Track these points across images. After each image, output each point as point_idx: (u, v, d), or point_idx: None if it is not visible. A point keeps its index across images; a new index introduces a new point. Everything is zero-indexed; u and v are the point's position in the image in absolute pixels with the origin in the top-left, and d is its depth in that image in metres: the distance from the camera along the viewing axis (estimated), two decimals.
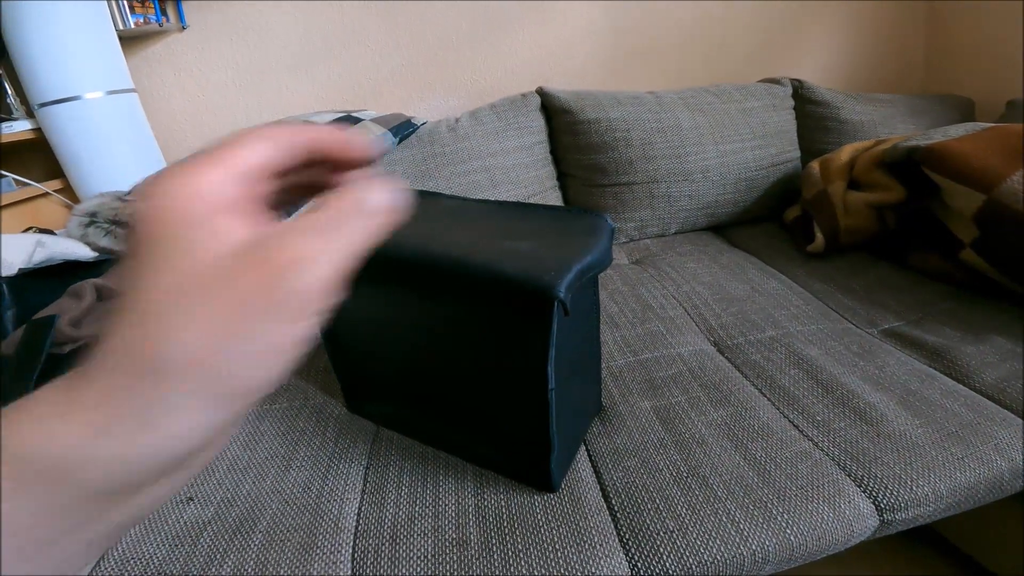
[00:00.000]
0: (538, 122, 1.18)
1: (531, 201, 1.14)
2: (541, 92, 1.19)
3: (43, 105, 1.05)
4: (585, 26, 1.39)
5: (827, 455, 0.58)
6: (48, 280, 0.81)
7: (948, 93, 1.42)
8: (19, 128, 1.11)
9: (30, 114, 1.12)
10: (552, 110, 1.18)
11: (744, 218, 1.23)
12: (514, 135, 1.13)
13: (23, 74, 1.04)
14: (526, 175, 1.13)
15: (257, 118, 1.21)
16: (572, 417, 0.56)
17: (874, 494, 0.54)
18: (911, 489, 0.54)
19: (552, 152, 1.21)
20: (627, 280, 0.98)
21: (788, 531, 0.51)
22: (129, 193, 1.02)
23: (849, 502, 0.53)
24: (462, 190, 1.07)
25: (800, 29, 1.50)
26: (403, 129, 1.06)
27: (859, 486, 0.55)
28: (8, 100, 1.15)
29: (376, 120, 1.06)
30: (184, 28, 1.25)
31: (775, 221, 1.22)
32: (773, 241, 1.13)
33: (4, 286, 0.75)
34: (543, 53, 1.40)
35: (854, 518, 0.53)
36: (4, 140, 1.08)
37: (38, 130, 1.12)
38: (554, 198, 1.20)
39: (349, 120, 1.04)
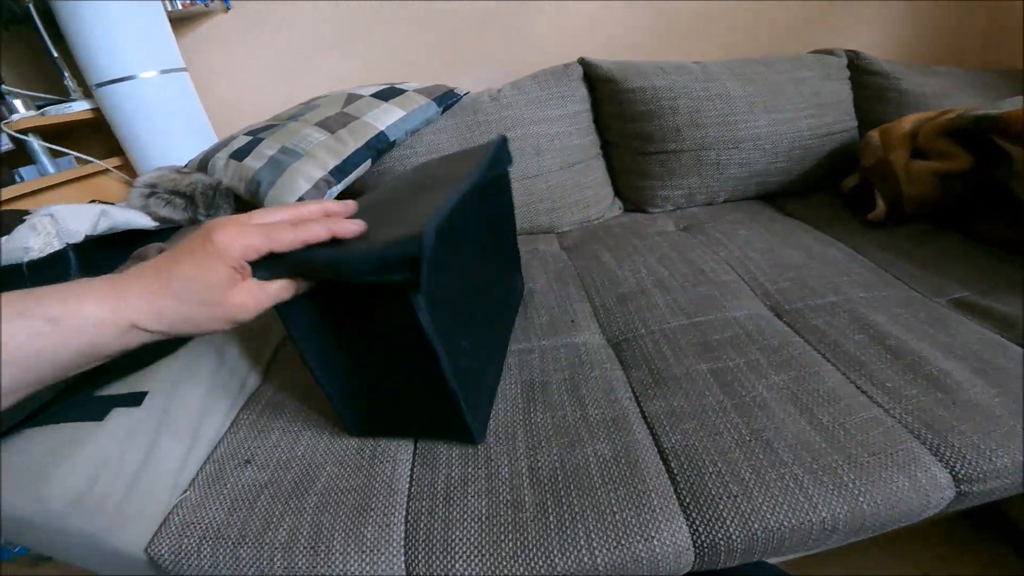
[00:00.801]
0: (581, 91, 1.15)
1: (575, 168, 1.13)
2: (583, 62, 1.16)
3: (100, 85, 1.09)
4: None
5: (899, 422, 0.55)
6: (112, 248, 0.84)
7: (1010, 68, 1.33)
8: (78, 108, 1.15)
9: (88, 95, 1.16)
10: (595, 79, 1.15)
11: (796, 187, 1.18)
12: (557, 104, 1.10)
13: (80, 57, 1.08)
14: (570, 143, 1.11)
15: (301, 95, 1.22)
16: (478, 361, 0.59)
17: (951, 464, 0.51)
18: (990, 460, 0.51)
19: (595, 121, 1.19)
20: (675, 245, 0.95)
21: (860, 499, 0.48)
22: (186, 166, 1.05)
23: (925, 471, 0.50)
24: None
25: (849, 1, 1.43)
26: (446, 99, 1.05)
27: (935, 455, 0.52)
28: (66, 82, 1.20)
29: (419, 91, 1.05)
30: (228, 9, 1.27)
31: (829, 191, 1.17)
32: (828, 210, 1.08)
33: (71, 252, 0.78)
34: (580, 26, 1.37)
35: (930, 488, 0.50)
36: (64, 120, 1.13)
37: (96, 110, 1.16)
38: (598, 166, 1.18)
39: (392, 92, 1.04)
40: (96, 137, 1.25)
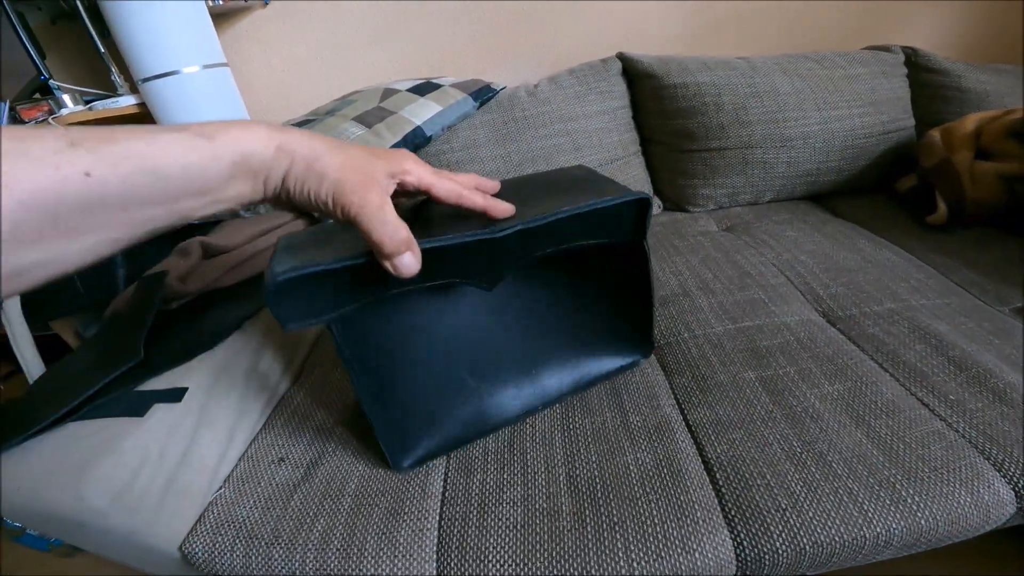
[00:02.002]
0: (620, 87, 1.12)
1: (613, 165, 1.10)
2: (622, 57, 1.14)
3: (145, 80, 1.11)
4: None
5: (963, 436, 0.52)
6: (156, 241, 0.85)
7: None
8: (124, 103, 1.18)
9: (134, 89, 1.19)
10: (634, 75, 1.12)
11: (847, 188, 1.12)
12: (595, 99, 1.08)
13: (125, 52, 1.10)
14: (609, 139, 1.08)
15: (338, 90, 1.23)
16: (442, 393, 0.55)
17: (1015, 479, 0.49)
18: None
19: (634, 118, 1.16)
20: (720, 247, 0.91)
21: (919, 514, 0.46)
22: None
23: (988, 486, 0.48)
24: (544, 154, 1.03)
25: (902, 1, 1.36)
26: (483, 94, 1.04)
27: (998, 470, 0.49)
28: (113, 78, 1.23)
29: (455, 85, 1.04)
30: (267, 4, 1.29)
31: (882, 192, 1.12)
32: (882, 212, 1.03)
33: None
34: (619, 21, 1.33)
35: (992, 503, 0.48)
36: (111, 114, 1.16)
37: (142, 104, 1.18)
38: (637, 163, 1.15)
39: (429, 86, 1.03)
40: None
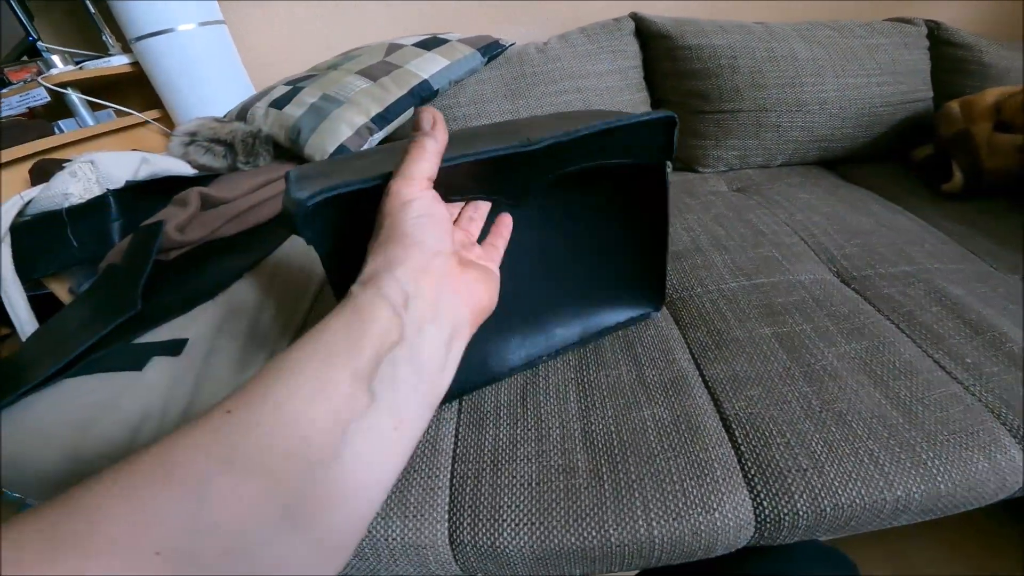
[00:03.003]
0: (632, 47, 1.09)
1: None
2: (635, 17, 1.11)
3: (139, 39, 1.08)
4: None
5: (980, 400, 0.51)
6: (152, 195, 0.83)
7: None
8: (116, 63, 1.15)
9: (126, 50, 1.16)
10: (648, 35, 1.09)
11: (861, 155, 1.11)
12: (607, 58, 1.05)
13: (118, 11, 1.07)
14: (620, 98, 1.06)
15: (340, 48, 1.19)
16: None
17: None
18: None
19: (646, 78, 1.13)
20: (731, 206, 0.90)
21: (938, 479, 0.45)
22: (225, 116, 1.03)
23: (1005, 452, 0.47)
24: (554, 109, 1.01)
25: None
26: (491, 49, 1.01)
27: (1015, 436, 0.48)
28: (104, 38, 1.19)
29: (463, 41, 1.01)
30: None
31: (897, 161, 1.10)
32: (896, 179, 1.02)
33: (111, 198, 0.78)
34: None
35: (1008, 471, 0.47)
36: (103, 74, 1.13)
37: (135, 64, 1.15)
38: None
39: (435, 41, 1.00)
40: (135, 91, 1.24)
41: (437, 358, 0.29)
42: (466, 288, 0.33)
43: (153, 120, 1.24)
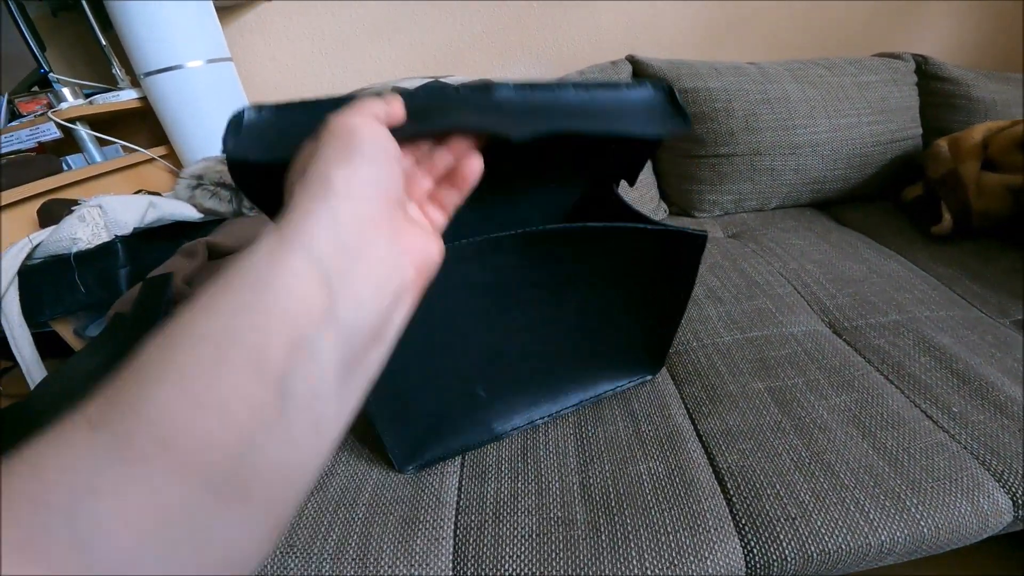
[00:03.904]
0: None
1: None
2: (632, 60, 1.13)
3: (148, 74, 1.09)
4: None
5: (965, 448, 0.53)
6: (157, 241, 0.85)
7: None
8: (125, 97, 1.16)
9: (135, 83, 1.17)
10: (644, 78, 1.12)
11: (853, 195, 1.14)
12: None
13: (128, 46, 1.08)
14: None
15: (342, 85, 1.22)
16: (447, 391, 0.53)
17: (1013, 489, 0.50)
18: None
19: None
20: (727, 254, 0.92)
21: (921, 523, 0.47)
22: None
23: (988, 496, 0.50)
24: None
25: (914, 2, 1.36)
26: None
27: (998, 480, 0.51)
28: (114, 71, 1.21)
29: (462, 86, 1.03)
30: None
31: (888, 200, 1.13)
32: (888, 221, 1.04)
33: (119, 245, 0.79)
34: (630, 21, 1.33)
35: (991, 512, 0.49)
36: (112, 109, 1.14)
37: (143, 99, 1.17)
38: (644, 168, 1.14)
39: (437, 85, 1.03)
40: (142, 126, 1.26)
41: (372, 328, 0.22)
42: (411, 240, 0.26)
43: (160, 157, 1.26)
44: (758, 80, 1.06)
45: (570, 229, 0.46)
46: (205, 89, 1.13)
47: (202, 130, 1.15)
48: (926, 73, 1.17)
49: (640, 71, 1.12)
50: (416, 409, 0.52)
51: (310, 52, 1.33)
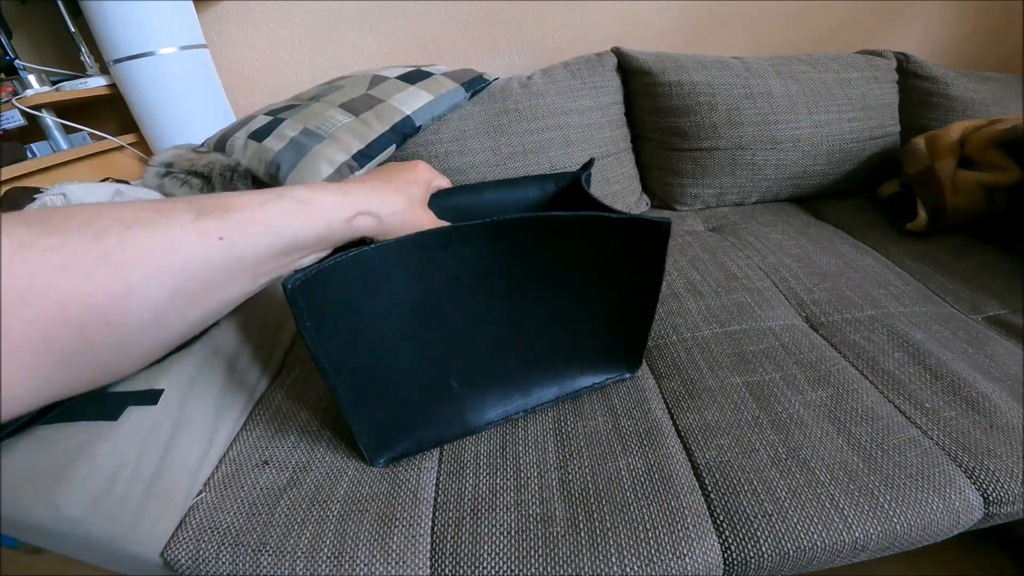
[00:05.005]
0: (614, 82, 1.11)
1: (604, 161, 1.09)
2: (617, 52, 1.13)
3: (118, 61, 1.06)
4: None
5: (937, 444, 0.55)
6: None
7: None
8: (93, 84, 1.12)
9: (104, 71, 1.14)
10: (629, 71, 1.11)
11: (831, 191, 1.15)
12: (589, 94, 1.07)
13: (98, 32, 1.04)
14: (601, 135, 1.07)
15: (323, 75, 1.19)
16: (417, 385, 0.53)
17: (984, 486, 0.51)
18: (1021, 484, 0.51)
19: (627, 115, 1.15)
20: (707, 247, 0.93)
21: (895, 520, 0.48)
22: (203, 145, 1.02)
23: (959, 493, 0.51)
24: (535, 147, 1.02)
25: (898, 2, 1.38)
26: (475, 84, 1.02)
27: (969, 477, 0.52)
28: (83, 58, 1.17)
29: (447, 74, 1.02)
30: None
31: (865, 196, 1.14)
32: (865, 216, 1.05)
33: None
34: (616, 15, 1.32)
35: (962, 509, 0.51)
36: (79, 96, 1.10)
37: (112, 86, 1.13)
38: (627, 160, 1.15)
39: (419, 74, 1.01)
40: (111, 113, 1.22)
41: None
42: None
43: (129, 145, 1.22)
44: (742, 74, 1.06)
45: (534, 218, 0.47)
46: (178, 76, 1.10)
47: (174, 118, 1.11)
48: (907, 71, 1.18)
49: (625, 63, 1.12)
50: (387, 399, 0.52)
51: (290, 40, 1.29)
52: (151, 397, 0.54)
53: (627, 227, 0.50)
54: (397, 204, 0.44)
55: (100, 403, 0.53)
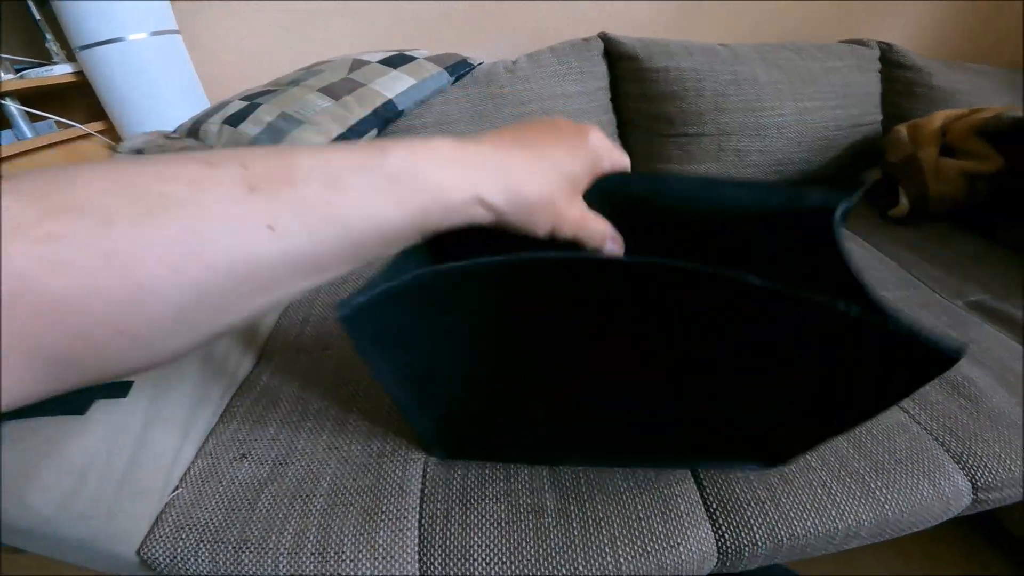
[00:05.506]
0: (600, 68, 1.10)
1: None
2: (604, 37, 1.11)
3: (85, 48, 1.02)
4: None
5: (925, 429, 0.55)
6: None
7: None
8: (59, 72, 1.08)
9: (71, 58, 1.10)
10: (616, 56, 1.10)
11: (814, 178, 1.15)
12: (575, 80, 1.05)
13: (64, 17, 1.01)
14: (587, 121, 1.05)
15: (303, 60, 1.15)
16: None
17: (972, 471, 0.52)
18: (1009, 469, 0.52)
19: (613, 100, 1.14)
20: None
21: (886, 506, 0.48)
22: (175, 131, 0.99)
23: (948, 478, 0.51)
24: None
25: None
26: (459, 68, 1.00)
27: (958, 462, 0.52)
28: (48, 45, 1.13)
29: (430, 59, 0.99)
30: None
31: (847, 183, 1.15)
32: None
33: None
34: (603, 1, 1.30)
35: (952, 495, 0.51)
36: (44, 84, 1.06)
37: (79, 73, 1.09)
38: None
39: (402, 59, 0.99)
40: (79, 101, 1.17)
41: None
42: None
43: (97, 133, 1.18)
44: (728, 61, 1.06)
45: (718, 276, 0.28)
46: (149, 62, 1.06)
47: (145, 105, 1.08)
48: (890, 60, 1.18)
49: (612, 49, 1.10)
50: (455, 415, 0.47)
51: (268, 26, 1.24)
52: (120, 390, 0.52)
53: (888, 338, 0.28)
54: (539, 189, 0.29)
55: (66, 397, 0.51)
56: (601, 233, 0.33)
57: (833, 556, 0.86)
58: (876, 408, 0.36)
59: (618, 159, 0.36)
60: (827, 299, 0.27)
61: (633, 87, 1.09)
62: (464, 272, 0.31)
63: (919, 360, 0.29)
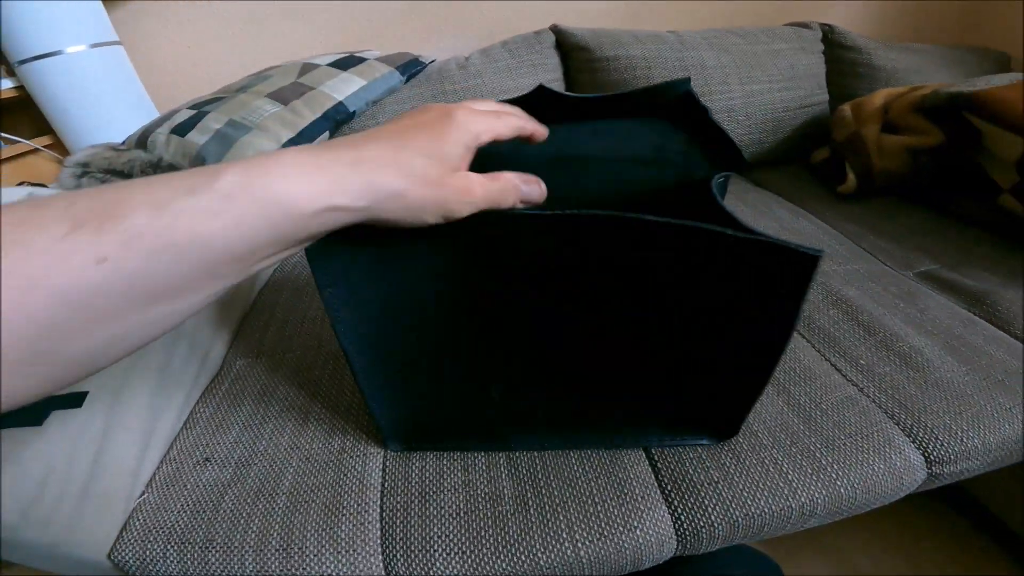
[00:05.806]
0: (553, 60, 1.11)
1: None
2: (555, 29, 1.12)
3: (23, 62, 0.99)
4: None
5: (874, 402, 0.54)
6: None
7: (983, 46, 1.35)
8: (2, 87, 1.05)
9: (11, 72, 1.06)
10: (567, 48, 1.11)
11: (767, 159, 1.18)
12: (528, 72, 1.06)
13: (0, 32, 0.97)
14: None
15: (252, 67, 1.14)
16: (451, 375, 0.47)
17: (924, 445, 0.51)
18: (961, 441, 0.51)
19: (567, 91, 1.14)
20: None
21: (838, 483, 0.48)
22: (123, 143, 0.97)
23: (899, 453, 0.50)
24: None
25: None
26: (411, 67, 0.99)
27: (908, 436, 0.52)
28: None
29: (381, 59, 0.99)
30: None
31: (799, 163, 1.17)
32: (799, 182, 1.09)
33: None
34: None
35: (904, 471, 0.50)
36: None
37: (20, 88, 1.06)
38: None
39: (352, 60, 0.98)
40: (24, 115, 1.14)
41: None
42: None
43: (44, 147, 1.15)
44: (676, 48, 1.07)
45: (628, 220, 0.33)
46: (91, 75, 1.03)
47: (91, 118, 1.05)
48: (832, 42, 1.21)
49: (563, 40, 1.11)
50: (411, 388, 0.47)
51: (214, 33, 1.22)
52: (75, 400, 0.52)
53: (760, 252, 0.34)
54: (402, 178, 0.29)
55: (21, 410, 0.51)
56: (510, 185, 0.34)
57: (826, 555, 0.88)
58: (779, 334, 0.40)
59: (499, 128, 0.35)
60: (715, 227, 0.33)
61: (586, 77, 1.10)
62: (411, 233, 0.32)
63: (791, 266, 0.35)
